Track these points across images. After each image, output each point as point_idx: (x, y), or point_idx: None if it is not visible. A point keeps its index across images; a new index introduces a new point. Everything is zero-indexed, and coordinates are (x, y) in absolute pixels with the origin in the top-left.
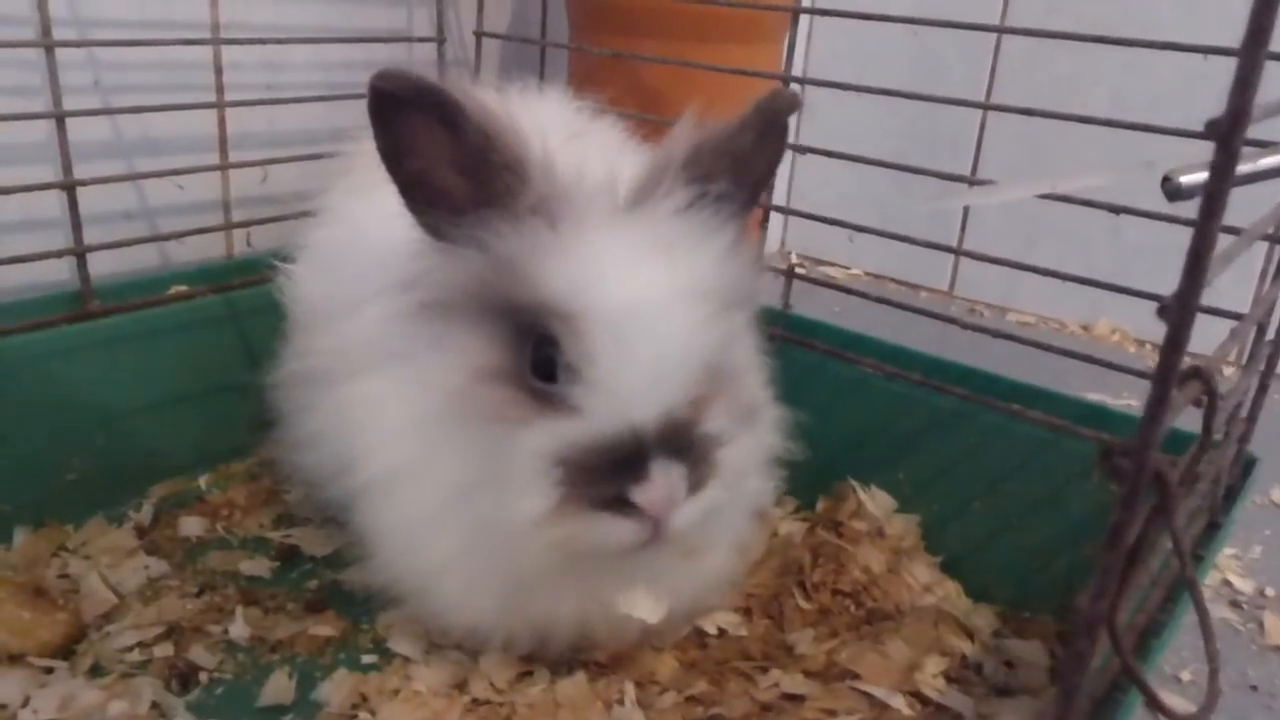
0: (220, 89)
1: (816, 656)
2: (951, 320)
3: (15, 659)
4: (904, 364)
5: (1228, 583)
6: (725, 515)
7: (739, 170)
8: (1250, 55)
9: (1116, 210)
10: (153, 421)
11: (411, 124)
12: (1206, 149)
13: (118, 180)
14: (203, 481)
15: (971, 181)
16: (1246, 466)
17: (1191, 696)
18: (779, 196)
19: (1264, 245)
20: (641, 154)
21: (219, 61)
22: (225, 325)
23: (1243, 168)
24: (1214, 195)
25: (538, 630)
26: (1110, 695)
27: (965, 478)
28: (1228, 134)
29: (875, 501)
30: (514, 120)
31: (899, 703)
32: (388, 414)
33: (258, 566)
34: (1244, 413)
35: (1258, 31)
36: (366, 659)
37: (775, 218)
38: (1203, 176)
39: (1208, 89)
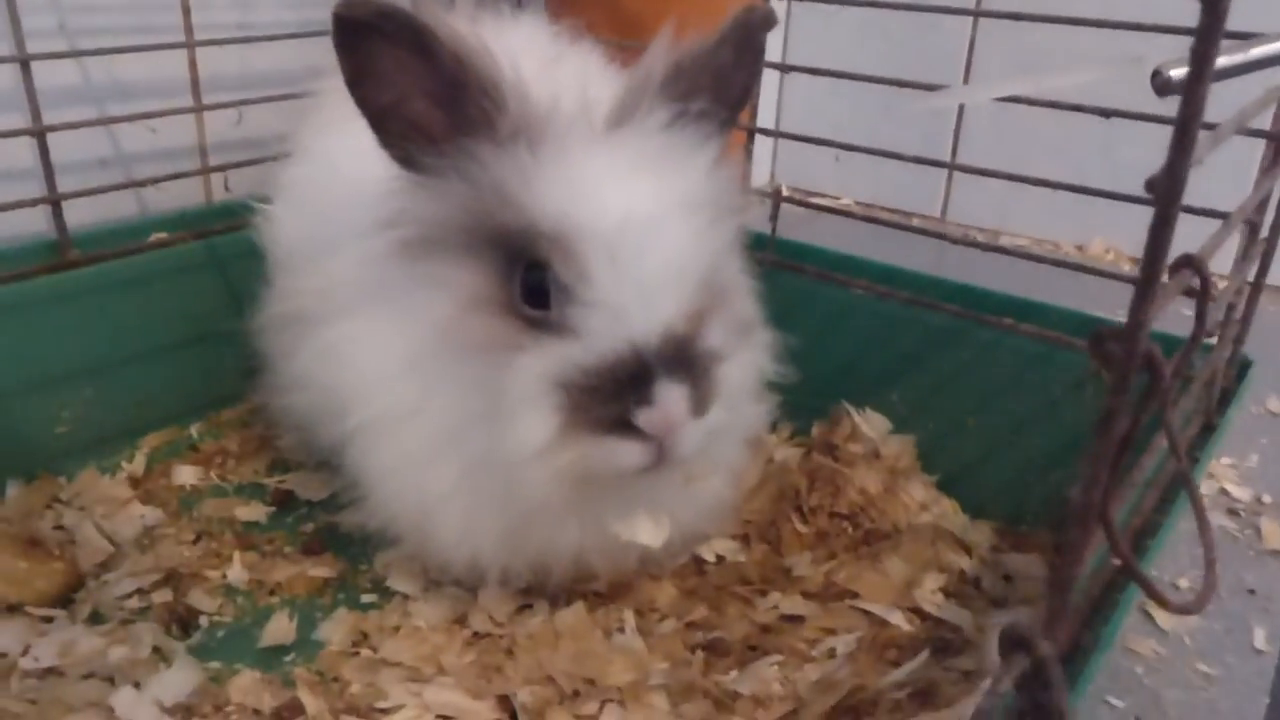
0: (189, 29)
1: (815, 578)
2: (942, 236)
3: (13, 609)
4: (895, 284)
5: (1225, 491)
6: (725, 439)
7: (718, 88)
8: None
9: (1106, 114)
10: (141, 371)
11: (380, 53)
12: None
13: (89, 125)
14: (195, 430)
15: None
16: (1241, 369)
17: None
18: (768, 123)
19: (1260, 146)
20: (620, 78)
21: (187, 2)
22: (208, 271)
23: (1233, 58)
24: (1202, 55)
25: (537, 562)
26: (1106, 595)
27: (960, 395)
28: None
29: (870, 424)
30: (486, 44)
31: (898, 619)
32: (376, 354)
33: (253, 512)
34: (1238, 314)
35: None
36: (366, 598)
37: (764, 149)
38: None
39: None
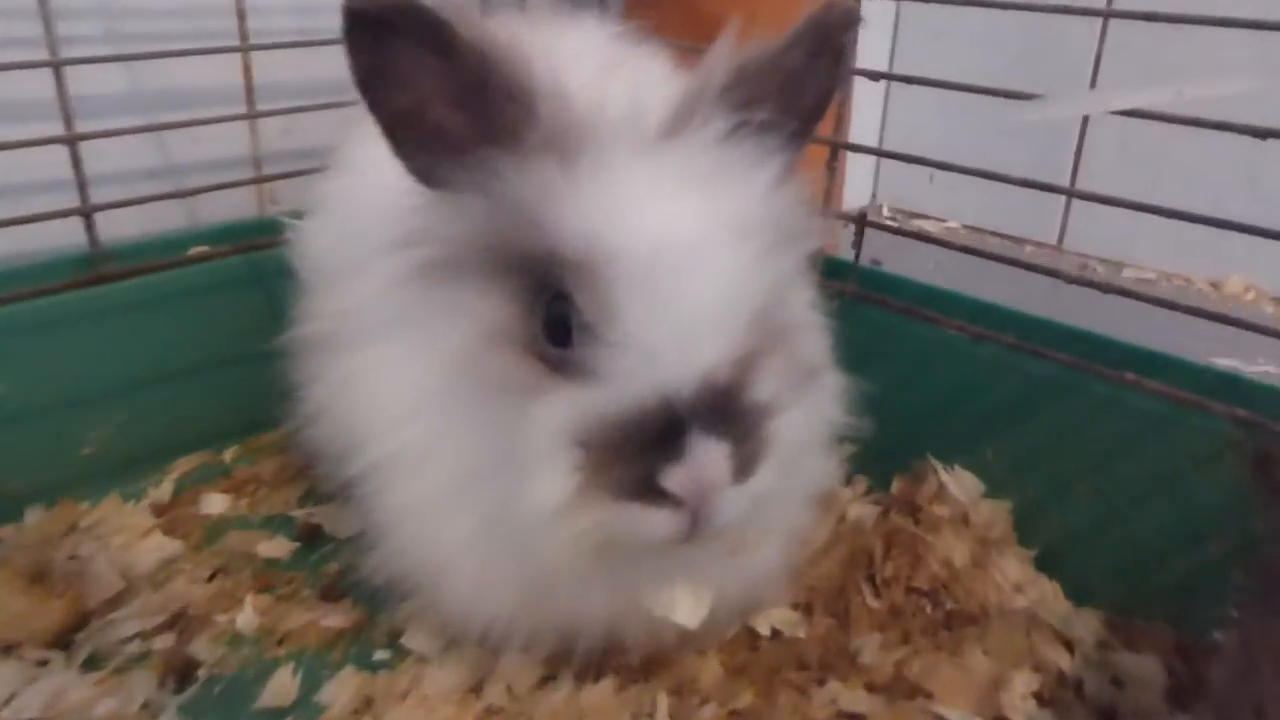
0: (244, 34)
1: (883, 668)
2: (1055, 274)
3: (9, 649)
4: (995, 324)
5: None
6: (780, 502)
7: (787, 95)
8: None
9: (1262, 134)
10: (175, 392)
11: (394, 51)
12: None
13: (122, 134)
14: (228, 455)
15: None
16: None
17: None
18: (869, 138)
19: None
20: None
21: (242, 5)
22: (250, 288)
23: None
24: None
25: (561, 629)
26: None
27: (1067, 458)
28: None
29: (959, 483)
30: (516, 43)
31: None
32: (391, 387)
33: (277, 548)
34: None
35: None
36: (379, 655)
37: (866, 167)
38: None
39: None
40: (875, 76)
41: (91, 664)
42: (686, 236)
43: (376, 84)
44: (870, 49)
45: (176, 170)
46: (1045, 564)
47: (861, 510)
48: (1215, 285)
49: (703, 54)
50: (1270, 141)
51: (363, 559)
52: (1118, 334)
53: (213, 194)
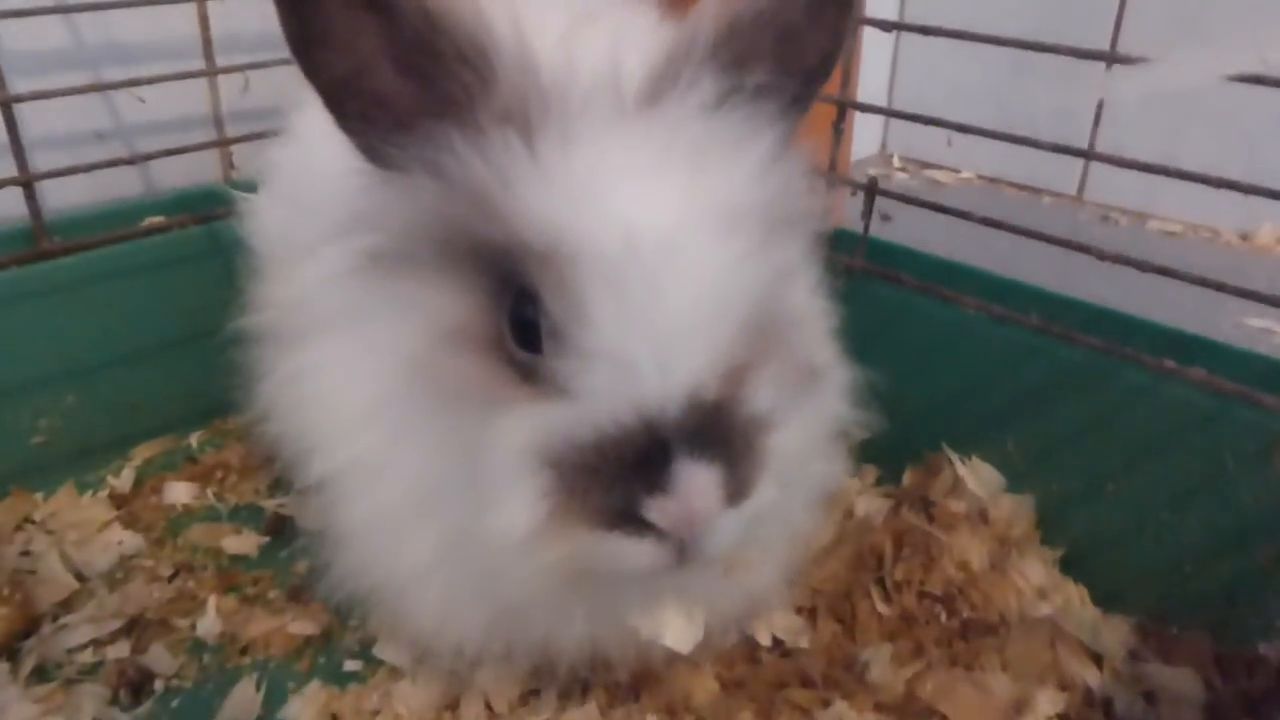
0: None
1: (893, 685)
2: (1084, 249)
3: None
4: (1019, 303)
5: None
6: (780, 515)
7: (786, 53)
8: None
9: None
10: (132, 375)
11: (328, 8)
12: None
13: (61, 94)
14: (194, 440)
15: (1110, 59)
16: None
17: None
18: (878, 90)
19: None
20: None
21: None
22: (210, 260)
23: None
24: None
25: (539, 650)
26: None
27: (1097, 452)
28: None
29: (977, 476)
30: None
31: None
32: (343, 389)
33: (243, 543)
34: None
35: None
36: (349, 665)
37: (874, 115)
38: None
39: None
40: (887, 27)
41: (38, 676)
42: (668, 226)
43: (311, 47)
44: None
45: (128, 132)
46: (1071, 566)
47: (870, 504)
48: (1245, 237)
49: (691, 3)
50: None
51: (330, 564)
52: (1145, 291)
53: (169, 159)
